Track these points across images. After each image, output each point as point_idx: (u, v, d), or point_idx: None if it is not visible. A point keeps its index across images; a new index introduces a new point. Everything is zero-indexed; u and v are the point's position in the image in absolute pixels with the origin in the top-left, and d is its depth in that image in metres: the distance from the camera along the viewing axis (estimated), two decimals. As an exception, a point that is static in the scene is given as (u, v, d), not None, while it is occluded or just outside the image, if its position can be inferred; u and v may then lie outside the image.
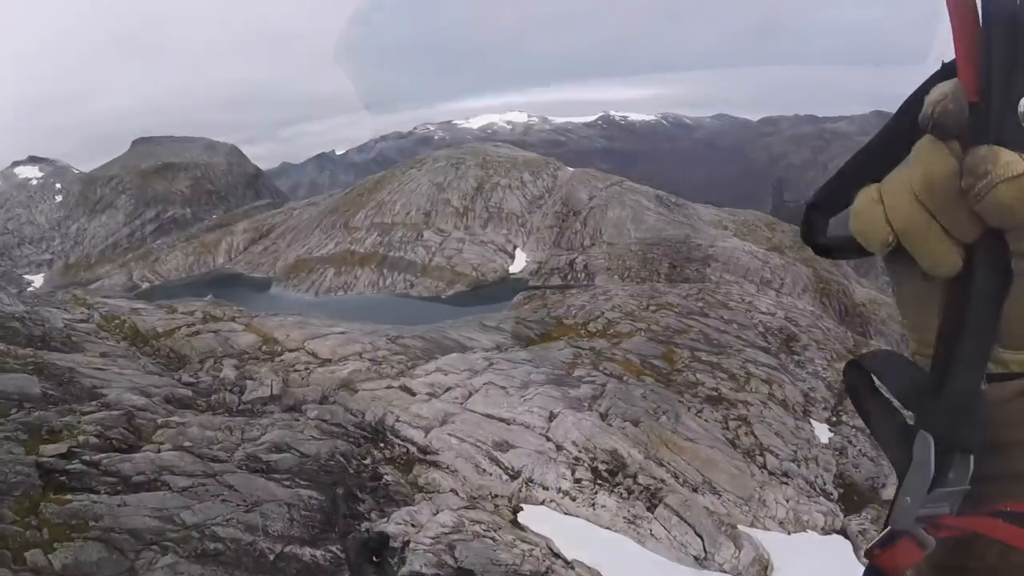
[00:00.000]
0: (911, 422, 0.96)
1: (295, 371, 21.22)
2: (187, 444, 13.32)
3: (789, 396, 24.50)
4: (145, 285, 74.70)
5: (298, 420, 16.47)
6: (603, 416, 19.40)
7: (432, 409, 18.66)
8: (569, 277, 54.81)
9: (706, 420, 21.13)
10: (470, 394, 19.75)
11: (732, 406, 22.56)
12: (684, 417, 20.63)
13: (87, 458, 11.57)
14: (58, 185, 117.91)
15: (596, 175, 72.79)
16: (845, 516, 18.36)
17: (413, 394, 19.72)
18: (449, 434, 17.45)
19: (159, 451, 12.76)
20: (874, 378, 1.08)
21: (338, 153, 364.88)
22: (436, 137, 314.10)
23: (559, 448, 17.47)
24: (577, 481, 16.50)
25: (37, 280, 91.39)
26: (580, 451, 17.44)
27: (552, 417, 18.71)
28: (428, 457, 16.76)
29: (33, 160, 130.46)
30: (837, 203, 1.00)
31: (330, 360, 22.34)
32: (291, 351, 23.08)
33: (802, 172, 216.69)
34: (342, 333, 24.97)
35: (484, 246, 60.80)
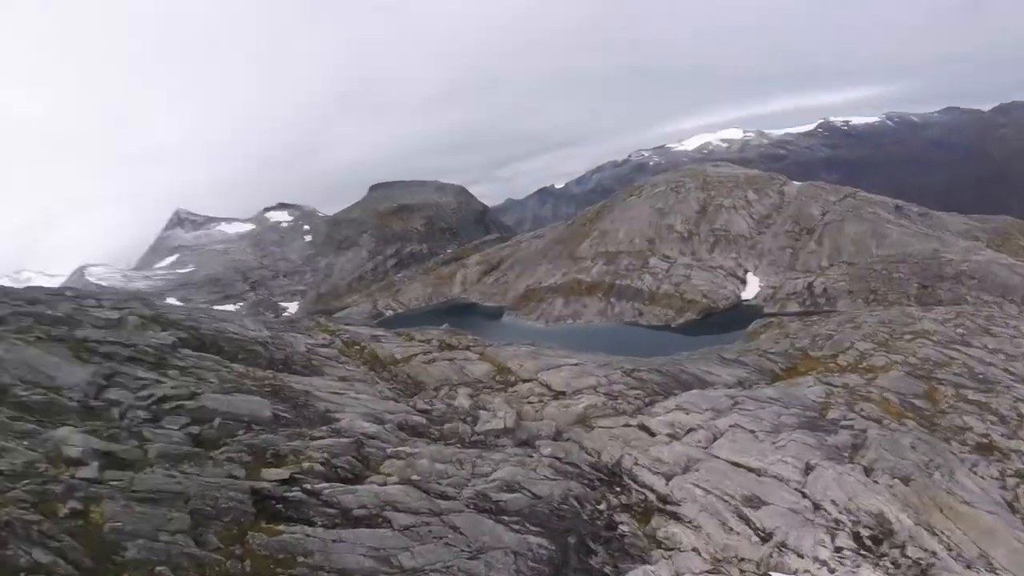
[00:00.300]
0: None
1: (528, 403, 20.92)
2: (415, 477, 12.90)
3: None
4: (388, 313, 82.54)
5: (531, 457, 15.71)
6: (867, 470, 17.14)
7: (673, 453, 17.42)
8: (808, 302, 52.72)
9: (981, 476, 18.61)
10: (715, 437, 18.43)
11: (1006, 457, 20.05)
12: (958, 473, 18.11)
13: (308, 486, 11.24)
14: (306, 227, 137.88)
15: (826, 188, 69.90)
16: None
17: (652, 434, 18.72)
18: (693, 483, 15.93)
19: (385, 483, 12.38)
20: None
21: (558, 187, 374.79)
22: (651, 163, 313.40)
23: (816, 507, 15.48)
24: (837, 550, 14.28)
25: (291, 307, 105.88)
26: (841, 512, 15.34)
27: (809, 469, 16.76)
28: (668, 508, 15.38)
29: (283, 206, 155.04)
30: None
31: (564, 393, 21.93)
32: (524, 382, 22.99)
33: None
34: (576, 365, 24.44)
35: (713, 271, 59.97)
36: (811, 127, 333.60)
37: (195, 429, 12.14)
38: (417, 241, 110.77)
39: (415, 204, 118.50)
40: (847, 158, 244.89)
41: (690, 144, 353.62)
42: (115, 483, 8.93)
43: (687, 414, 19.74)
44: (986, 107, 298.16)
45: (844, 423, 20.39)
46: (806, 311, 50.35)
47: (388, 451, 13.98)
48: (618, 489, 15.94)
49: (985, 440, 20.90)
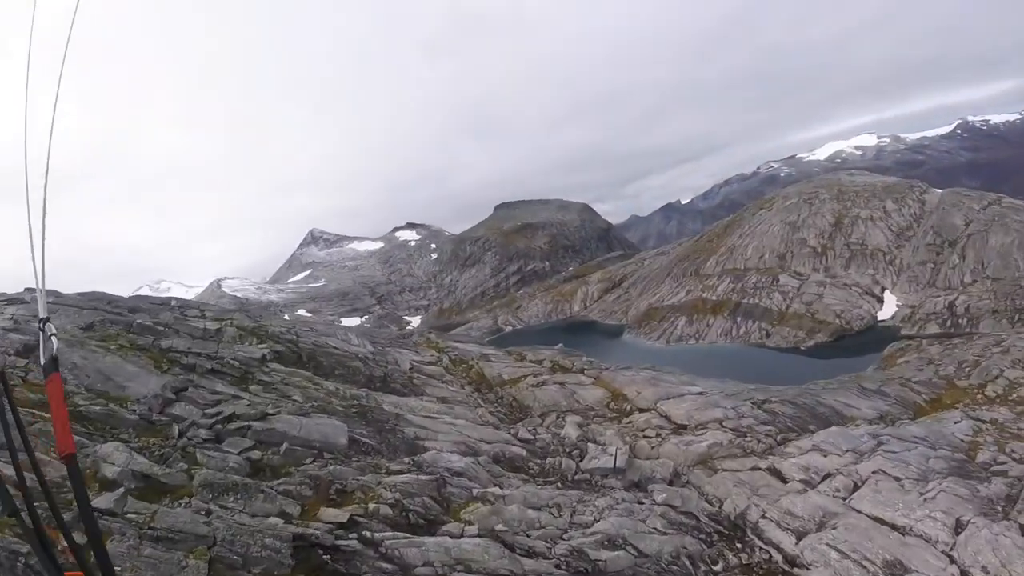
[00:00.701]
0: None
1: (644, 437, 18.74)
2: (500, 528, 10.96)
3: None
4: (507, 328, 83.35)
5: (642, 503, 13.69)
6: (1024, 529, 14.32)
7: (808, 505, 14.78)
8: (948, 323, 48.86)
9: None
10: (855, 486, 15.60)
11: None
12: None
13: (368, 534, 9.33)
14: (432, 245, 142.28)
15: (969, 194, 64.98)
16: None
17: (784, 480, 16.16)
18: (828, 544, 13.30)
19: (462, 534, 10.41)
20: None
21: (683, 202, 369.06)
22: (782, 174, 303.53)
23: (965, 576, 12.94)
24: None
25: (415, 320, 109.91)
26: (993, 582, 12.52)
27: (959, 528, 13.76)
28: (796, 572, 12.93)
29: (411, 226, 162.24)
30: None
31: (685, 427, 19.47)
32: (641, 411, 20.79)
33: None
34: (700, 394, 22.09)
35: (848, 289, 56.35)
36: (949, 128, 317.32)
37: (257, 454, 10.99)
38: (540, 258, 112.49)
39: (538, 222, 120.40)
40: (990, 161, 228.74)
41: (822, 153, 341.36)
42: (132, 516, 7.64)
43: (824, 456, 17.33)
44: None
45: (996, 467, 17.46)
46: (946, 333, 46.88)
47: (475, 492, 12.15)
48: (739, 546, 13.64)
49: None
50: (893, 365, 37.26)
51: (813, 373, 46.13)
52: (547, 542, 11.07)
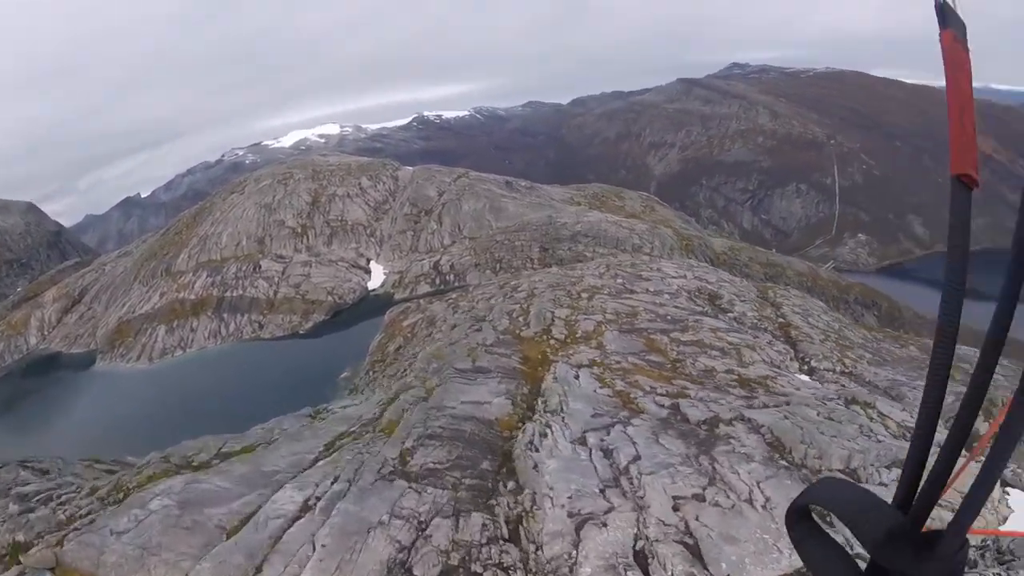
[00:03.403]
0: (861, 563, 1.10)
1: None
2: None
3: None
4: None
5: None
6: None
7: None
8: (438, 281, 50.24)
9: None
10: None
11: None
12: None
13: None
14: None
15: (441, 169, 68.85)
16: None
17: None
18: None
19: None
20: (815, 516, 1.21)
21: (143, 195, 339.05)
22: (247, 161, 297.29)
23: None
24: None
25: None
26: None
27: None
28: None
29: None
30: None
31: None
32: None
33: (617, 145, 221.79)
34: None
35: (334, 265, 54.61)
36: (406, 121, 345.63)
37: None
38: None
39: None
40: (441, 149, 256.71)
41: (287, 141, 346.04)
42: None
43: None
44: (565, 100, 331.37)
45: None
46: (439, 290, 48.14)
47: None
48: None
49: (734, 377, 21.01)
50: (400, 329, 36.65)
51: (314, 355, 44.18)
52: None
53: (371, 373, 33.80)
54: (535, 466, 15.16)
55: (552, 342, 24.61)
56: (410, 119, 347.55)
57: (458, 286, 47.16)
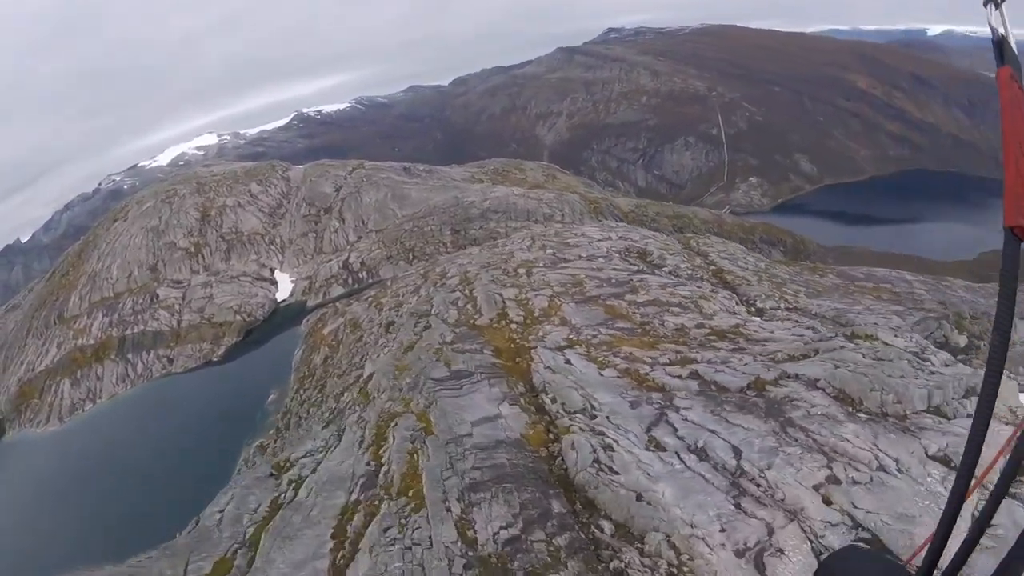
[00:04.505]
0: None
1: None
2: None
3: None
4: None
5: None
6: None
7: None
8: (350, 281, 48.34)
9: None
10: None
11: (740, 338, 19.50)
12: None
13: None
14: None
15: (334, 163, 66.76)
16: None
17: None
18: None
19: None
20: None
21: (23, 240, 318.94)
22: (125, 186, 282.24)
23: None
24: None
25: None
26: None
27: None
28: None
29: None
30: None
31: None
32: None
33: (504, 120, 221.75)
34: None
35: (236, 282, 51.66)
36: (286, 121, 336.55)
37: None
38: None
39: None
40: (326, 145, 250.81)
41: (164, 159, 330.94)
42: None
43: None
44: (446, 82, 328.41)
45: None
46: (352, 290, 46.32)
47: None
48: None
49: (706, 330, 20.64)
50: (322, 339, 34.55)
51: (231, 382, 41.49)
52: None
53: (302, 392, 31.51)
54: (638, 496, 12.23)
55: (513, 326, 23.33)
56: (290, 118, 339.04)
57: (373, 282, 45.77)
